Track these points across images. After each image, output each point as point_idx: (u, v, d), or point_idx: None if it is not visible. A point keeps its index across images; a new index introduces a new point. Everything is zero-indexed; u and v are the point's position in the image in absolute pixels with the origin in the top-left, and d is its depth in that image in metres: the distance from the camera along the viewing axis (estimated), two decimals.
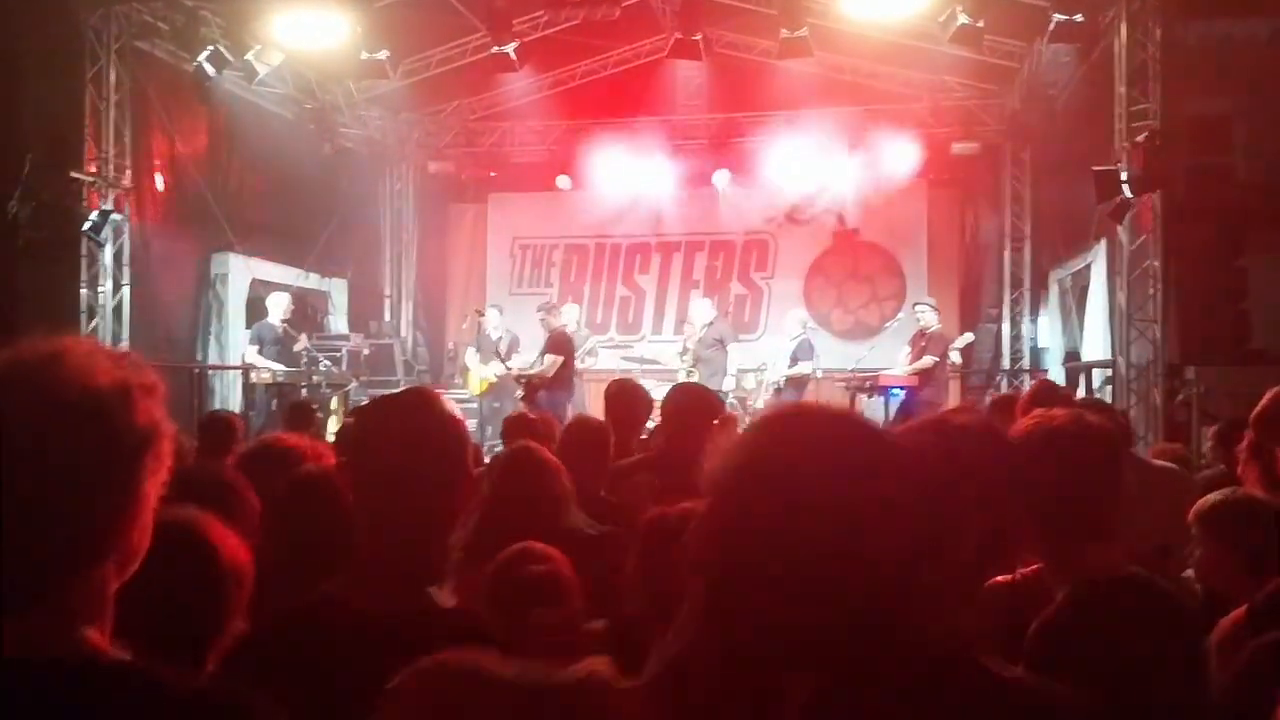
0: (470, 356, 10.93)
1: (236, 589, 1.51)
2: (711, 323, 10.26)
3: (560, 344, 9.34)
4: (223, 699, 1.07)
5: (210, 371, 10.51)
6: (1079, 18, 8.26)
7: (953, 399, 10.18)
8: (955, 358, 10.59)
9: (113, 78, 9.31)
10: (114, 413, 1.02)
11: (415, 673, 0.87)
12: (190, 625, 1.43)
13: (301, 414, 6.25)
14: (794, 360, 10.07)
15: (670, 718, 0.95)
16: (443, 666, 0.87)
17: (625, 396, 4.41)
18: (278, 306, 9.68)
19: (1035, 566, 1.91)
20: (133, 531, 1.05)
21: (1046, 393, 4.09)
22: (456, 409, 1.58)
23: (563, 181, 13.01)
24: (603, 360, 11.16)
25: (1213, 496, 2.74)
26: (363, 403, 9.25)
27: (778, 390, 10.12)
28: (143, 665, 1.04)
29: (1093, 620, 1.67)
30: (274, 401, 9.28)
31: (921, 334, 9.36)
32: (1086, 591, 1.71)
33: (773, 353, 10.73)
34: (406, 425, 1.52)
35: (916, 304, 9.87)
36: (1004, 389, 11.71)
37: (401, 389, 1.83)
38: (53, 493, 0.99)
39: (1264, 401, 2.52)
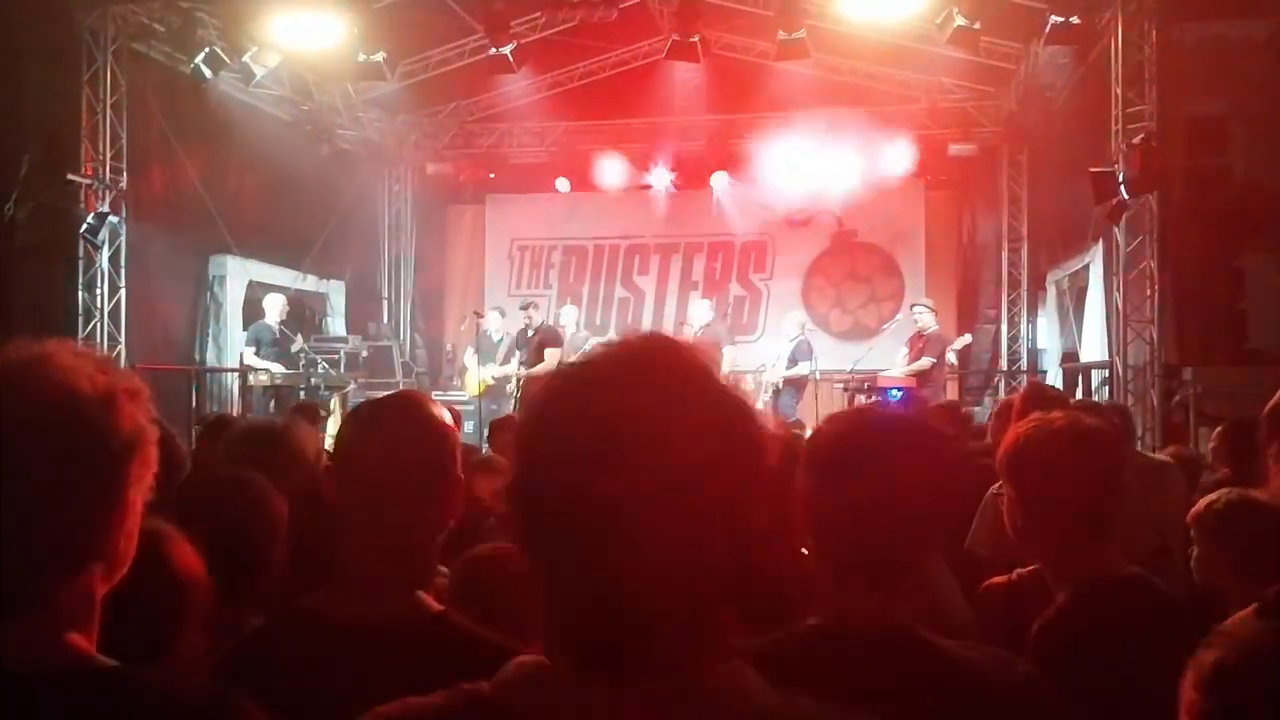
0: (469, 357, 10.93)
1: (188, 604, 1.50)
2: (708, 324, 10.29)
3: (556, 338, 9.47)
4: (211, 702, 1.06)
5: (208, 374, 10.50)
6: (1075, 19, 8.27)
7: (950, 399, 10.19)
8: (951, 359, 10.61)
9: (109, 79, 9.30)
10: (99, 417, 1.01)
11: None
12: (140, 635, 1.38)
13: (306, 414, 6.15)
14: (792, 361, 10.08)
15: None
16: (392, 712, 0.91)
17: None
18: (274, 307, 9.67)
19: (1032, 567, 1.91)
20: (119, 537, 1.04)
21: (1037, 395, 4.10)
22: (446, 413, 1.58)
23: (562, 184, 13.03)
24: None
25: (1209, 498, 2.76)
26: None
27: (776, 391, 10.13)
28: (129, 670, 1.03)
29: (1094, 621, 1.67)
30: (272, 403, 9.28)
31: (919, 335, 9.37)
32: (1088, 592, 1.72)
33: (771, 354, 10.74)
34: (392, 429, 1.51)
35: (914, 305, 9.89)
36: (1002, 390, 11.74)
37: (390, 392, 1.82)
38: (37, 498, 0.98)
39: (1277, 398, 2.54)
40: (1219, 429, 4.42)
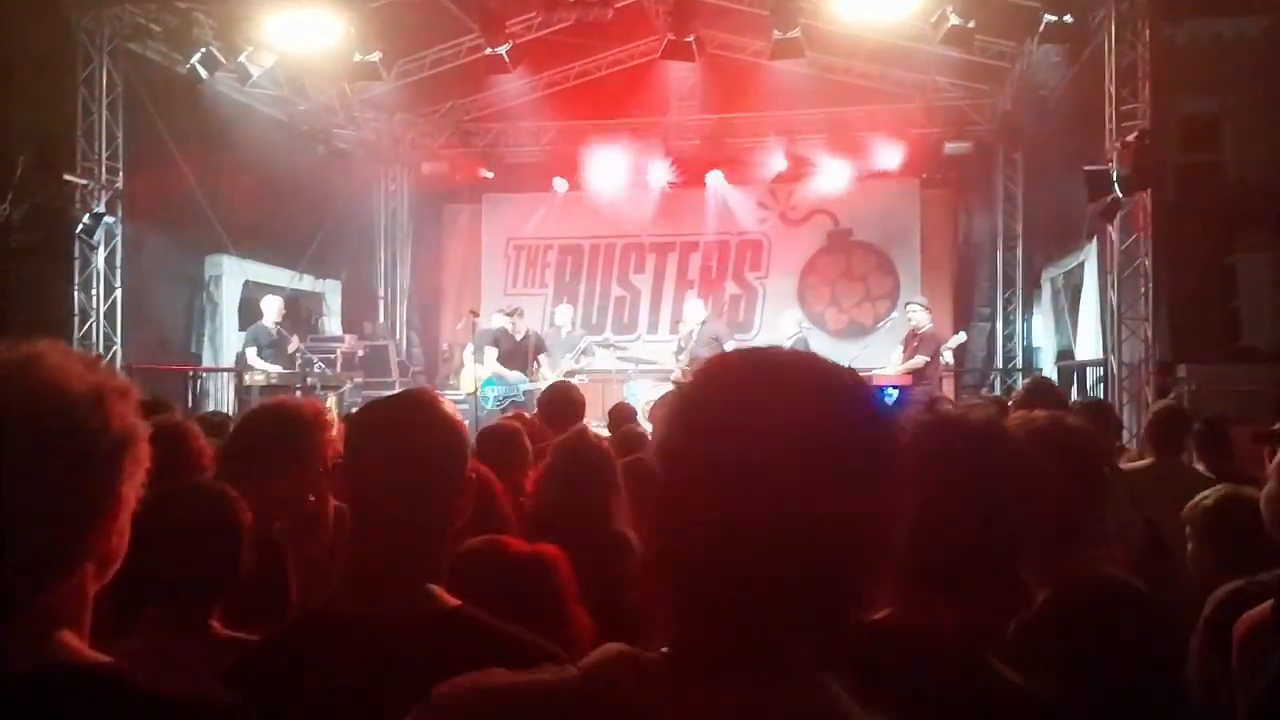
0: (467, 354, 10.94)
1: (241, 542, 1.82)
2: (705, 321, 10.32)
3: (543, 345, 9.59)
4: (199, 702, 1.07)
5: (204, 374, 10.51)
6: (1069, 18, 8.29)
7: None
8: (947, 357, 10.62)
9: (105, 80, 9.31)
10: (90, 417, 1.01)
11: (447, 694, 0.89)
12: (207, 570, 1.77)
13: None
14: None
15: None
16: (472, 684, 0.89)
17: (559, 400, 4.78)
18: (271, 309, 9.68)
19: None
20: (111, 535, 1.05)
21: (1041, 391, 4.12)
22: (456, 410, 1.58)
23: (560, 185, 13.05)
24: (599, 361, 11.17)
25: (1199, 496, 2.79)
26: (358, 405, 9.30)
27: None
28: (122, 669, 1.04)
29: (1073, 621, 1.69)
30: None
31: (913, 334, 9.39)
32: (1067, 592, 1.73)
33: None
34: (404, 426, 1.52)
35: (908, 303, 9.91)
36: (997, 388, 11.76)
37: (399, 390, 1.86)
38: (29, 499, 0.98)
39: None
40: (1148, 419, 4.43)
